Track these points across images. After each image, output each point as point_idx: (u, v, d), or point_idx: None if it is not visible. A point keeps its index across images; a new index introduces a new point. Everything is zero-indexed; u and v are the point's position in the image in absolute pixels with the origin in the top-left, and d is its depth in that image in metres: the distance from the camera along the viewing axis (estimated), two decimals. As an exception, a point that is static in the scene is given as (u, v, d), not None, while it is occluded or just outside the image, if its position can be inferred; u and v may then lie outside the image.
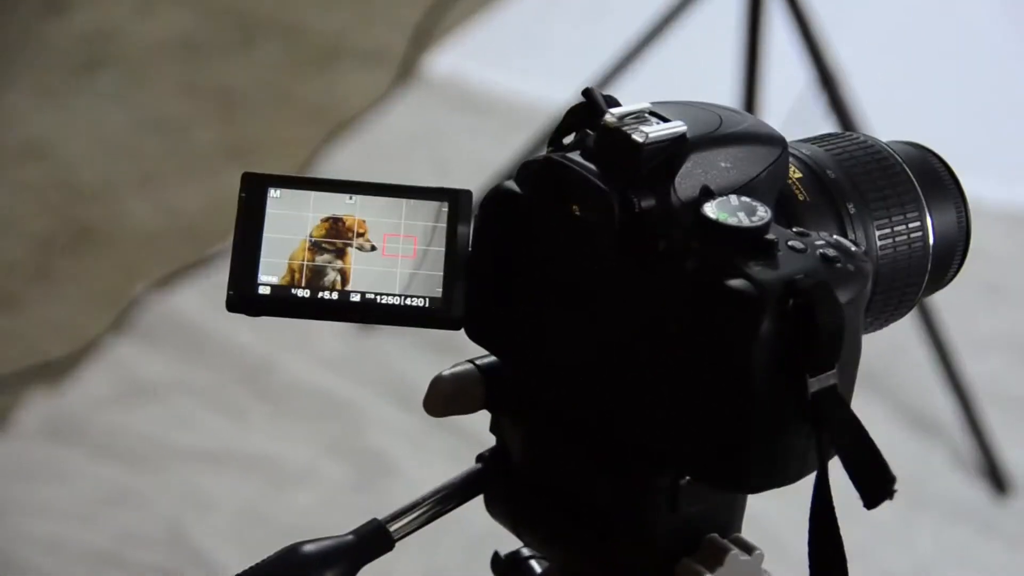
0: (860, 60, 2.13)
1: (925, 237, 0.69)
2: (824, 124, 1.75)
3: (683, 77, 2.28)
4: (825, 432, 0.60)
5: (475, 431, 1.76)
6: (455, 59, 2.53)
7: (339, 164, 2.25)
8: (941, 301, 1.76)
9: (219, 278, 2.02)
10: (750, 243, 0.61)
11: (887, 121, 1.87)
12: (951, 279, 0.72)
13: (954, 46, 2.62)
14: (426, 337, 1.93)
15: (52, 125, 2.37)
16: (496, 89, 2.44)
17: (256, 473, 1.78)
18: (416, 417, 1.84)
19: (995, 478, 1.78)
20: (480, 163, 2.08)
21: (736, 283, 0.59)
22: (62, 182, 2.25)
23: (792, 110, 1.86)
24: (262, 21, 2.62)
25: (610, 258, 0.63)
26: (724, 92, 1.87)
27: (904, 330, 1.81)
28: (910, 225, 0.69)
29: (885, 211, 0.68)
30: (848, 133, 0.71)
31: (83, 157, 2.30)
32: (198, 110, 2.42)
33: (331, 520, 1.67)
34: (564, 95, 1.99)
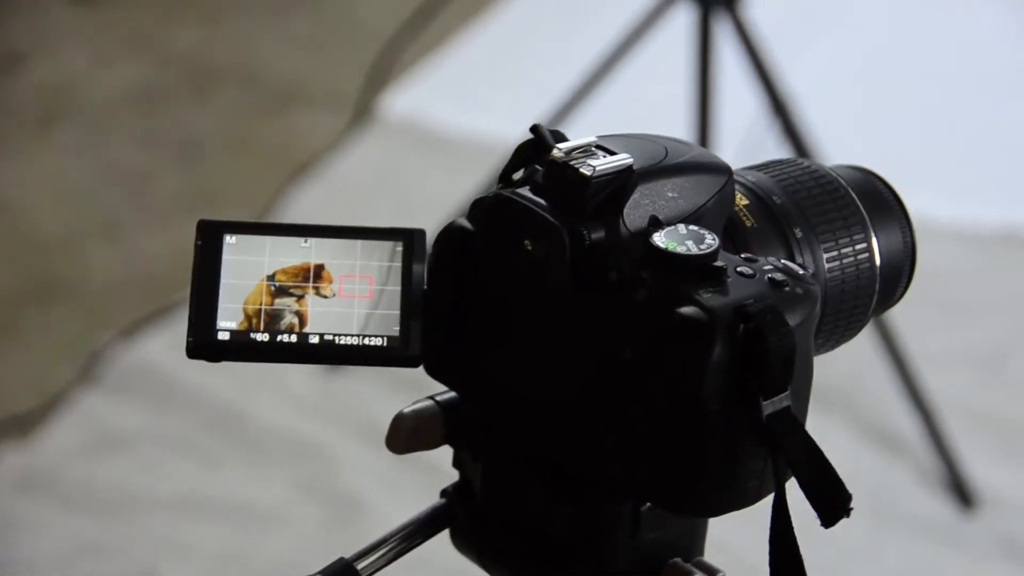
0: (810, 86, 2.15)
1: (872, 258, 0.70)
2: (777, 151, 1.77)
3: (636, 110, 2.30)
4: (780, 453, 0.61)
5: (446, 467, 1.77)
6: (410, 99, 2.54)
7: (300, 207, 2.26)
8: (898, 319, 1.78)
9: (184, 325, 2.01)
10: (699, 270, 0.62)
11: (839, 145, 1.90)
12: (900, 298, 0.73)
13: (903, 68, 2.65)
14: (393, 376, 1.94)
15: (12, 179, 2.37)
16: (452, 128, 2.46)
17: (229, 518, 1.78)
18: (385, 456, 1.83)
19: (960, 493, 1.80)
20: (439, 201, 2.09)
21: (687, 310, 0.61)
22: (24, 235, 2.25)
23: (745, 138, 1.88)
24: (217, 69, 2.63)
25: (562, 291, 0.64)
26: (678, 123, 1.89)
27: (865, 349, 1.82)
28: (856, 247, 0.70)
29: (831, 234, 0.70)
30: (792, 159, 0.73)
31: (44, 210, 2.30)
32: (158, 159, 2.42)
33: (305, 561, 1.68)
34: (519, 132, 2.00)
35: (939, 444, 1.81)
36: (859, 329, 0.72)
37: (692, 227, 0.64)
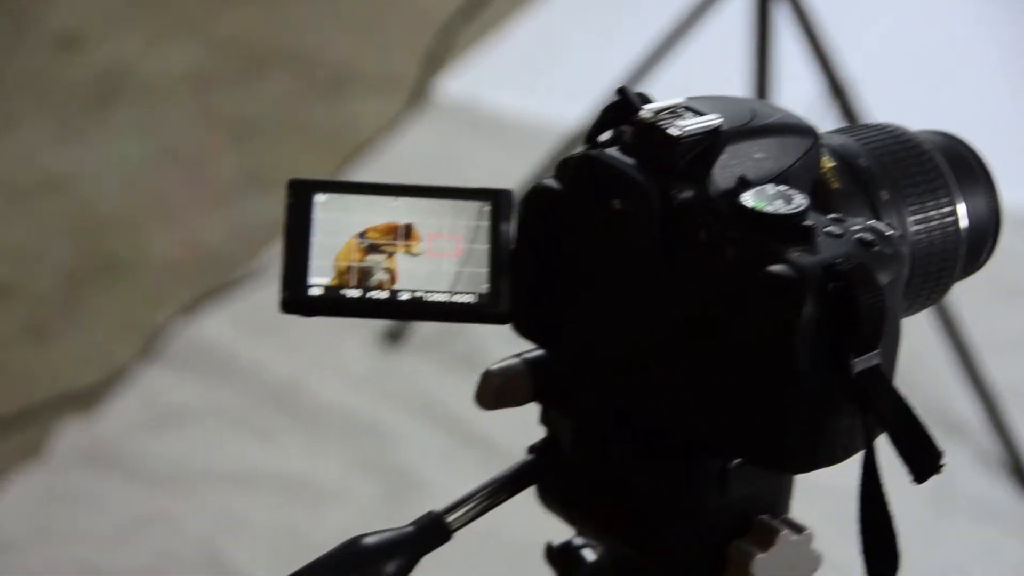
0: (868, 68, 2.15)
1: (957, 222, 0.70)
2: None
3: (693, 93, 2.29)
4: (871, 410, 0.62)
5: (504, 444, 1.77)
6: (465, 82, 2.55)
7: (356, 188, 2.27)
8: (959, 303, 1.78)
9: (242, 303, 2.05)
10: (788, 230, 0.62)
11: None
12: (984, 262, 0.74)
13: (962, 48, 2.64)
14: (450, 354, 1.96)
15: (71, 159, 2.39)
16: (506, 110, 2.46)
17: (288, 492, 1.80)
18: (443, 433, 1.86)
19: (1021, 476, 1.79)
20: (493, 184, 2.09)
21: (777, 268, 0.61)
22: (84, 215, 2.27)
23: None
24: (272, 51, 2.65)
25: (651, 250, 0.64)
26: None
27: (924, 332, 1.82)
28: (942, 210, 0.70)
29: (917, 197, 0.70)
30: (878, 123, 0.73)
31: (103, 189, 2.33)
32: (214, 140, 2.44)
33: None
34: (574, 114, 2.02)
35: (1000, 428, 1.80)
36: (944, 293, 0.72)
37: (781, 187, 0.64)
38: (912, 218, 0.69)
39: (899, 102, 2.26)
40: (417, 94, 2.49)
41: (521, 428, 1.68)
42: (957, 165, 0.72)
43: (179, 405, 1.92)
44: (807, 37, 1.77)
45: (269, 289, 2.07)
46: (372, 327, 2.00)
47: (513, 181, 2.06)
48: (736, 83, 1.94)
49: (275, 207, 2.23)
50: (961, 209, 0.71)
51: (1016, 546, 1.73)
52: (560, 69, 2.59)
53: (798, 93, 1.94)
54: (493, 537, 1.54)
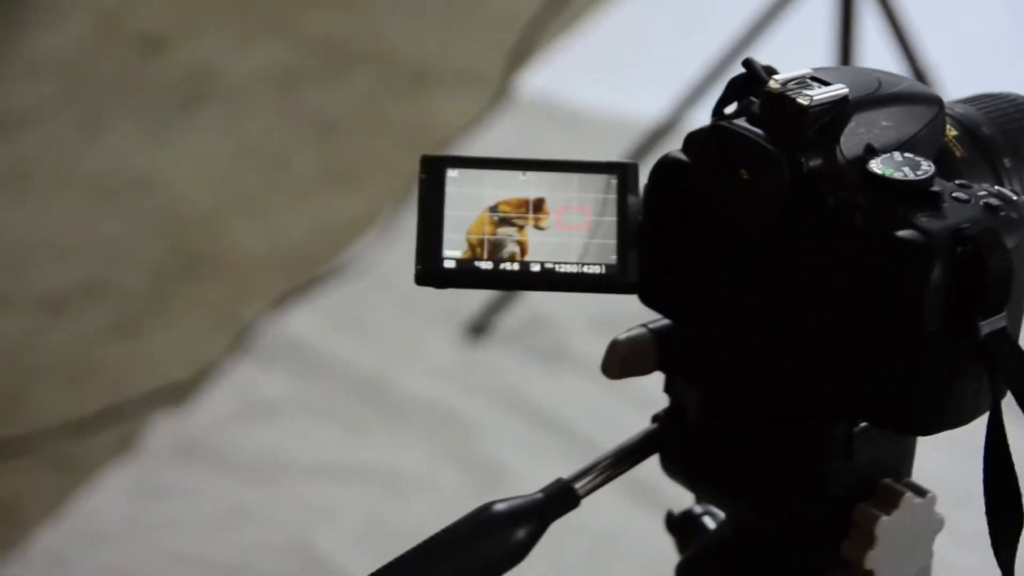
0: (952, 57, 2.14)
1: None
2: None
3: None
4: (998, 372, 0.63)
5: (586, 435, 1.77)
6: (546, 77, 2.56)
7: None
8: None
9: (328, 298, 2.07)
10: (916, 196, 0.63)
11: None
12: None
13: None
14: (533, 347, 1.97)
15: (158, 158, 2.42)
16: (588, 105, 2.47)
17: (376, 484, 1.81)
18: (527, 424, 1.87)
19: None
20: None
21: (905, 233, 0.62)
22: (171, 213, 2.30)
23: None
24: (356, 49, 2.67)
25: (780, 218, 0.65)
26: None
27: None
28: None
29: None
30: (999, 93, 0.74)
31: (189, 188, 2.35)
32: (298, 138, 2.46)
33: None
34: (653, 108, 2.03)
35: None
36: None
37: (907, 154, 0.65)
38: None
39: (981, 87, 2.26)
40: (500, 90, 2.50)
41: (602, 418, 1.69)
42: None
43: (268, 399, 1.94)
44: (890, 23, 1.78)
45: (354, 284, 2.09)
46: (455, 321, 2.01)
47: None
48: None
49: (358, 204, 2.27)
50: (1084, 177, 0.71)
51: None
52: (641, 64, 2.59)
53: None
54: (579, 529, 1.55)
